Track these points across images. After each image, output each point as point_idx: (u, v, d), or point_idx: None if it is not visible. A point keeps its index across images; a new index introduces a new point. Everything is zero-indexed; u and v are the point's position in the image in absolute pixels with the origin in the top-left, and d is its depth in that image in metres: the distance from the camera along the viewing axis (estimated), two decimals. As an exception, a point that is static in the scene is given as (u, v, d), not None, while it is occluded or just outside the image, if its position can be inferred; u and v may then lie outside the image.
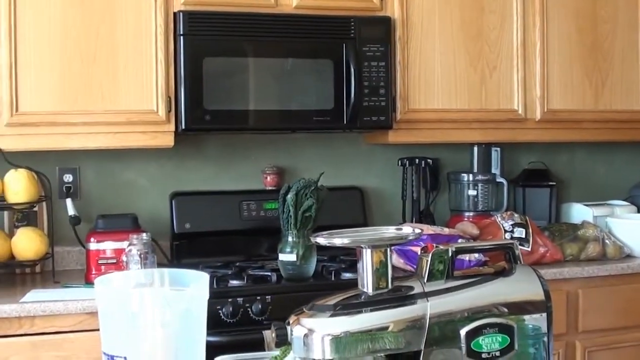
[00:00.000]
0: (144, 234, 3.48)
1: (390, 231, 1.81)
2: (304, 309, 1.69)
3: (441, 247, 1.76)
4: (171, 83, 3.75)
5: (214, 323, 3.14)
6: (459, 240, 3.74)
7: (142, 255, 3.41)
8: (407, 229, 1.79)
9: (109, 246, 3.68)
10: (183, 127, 3.72)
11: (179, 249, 4.09)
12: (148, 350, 1.59)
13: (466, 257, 3.45)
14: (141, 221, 3.88)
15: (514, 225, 4.07)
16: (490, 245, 2.13)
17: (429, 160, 4.50)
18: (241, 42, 3.80)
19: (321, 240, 1.70)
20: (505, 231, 4.04)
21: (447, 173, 4.64)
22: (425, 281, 1.73)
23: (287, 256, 3.58)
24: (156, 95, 3.73)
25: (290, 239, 3.59)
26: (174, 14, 3.75)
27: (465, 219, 4.39)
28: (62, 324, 3.28)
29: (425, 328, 1.66)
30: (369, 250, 1.69)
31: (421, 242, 3.37)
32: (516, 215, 4.17)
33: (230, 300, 3.41)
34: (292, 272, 3.59)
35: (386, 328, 1.64)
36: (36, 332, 3.26)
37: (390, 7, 4.06)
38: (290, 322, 1.67)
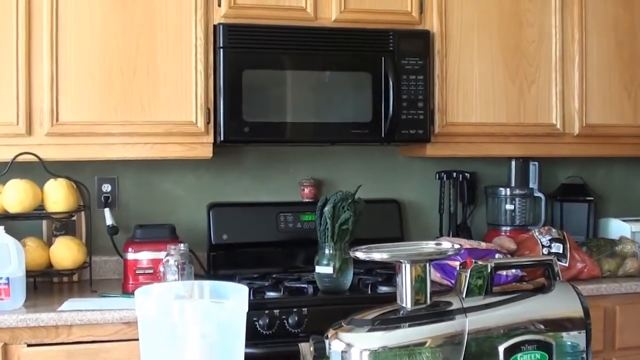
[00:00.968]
0: (182, 245, 3.49)
1: (429, 246, 1.80)
2: (342, 323, 1.69)
3: (480, 262, 1.76)
4: (210, 95, 3.77)
5: (251, 335, 3.16)
6: (496, 255, 3.72)
7: (179, 266, 3.42)
8: (447, 244, 1.79)
9: (146, 256, 3.70)
10: (222, 138, 3.73)
11: (215, 260, 4.10)
12: (187, 361, 1.60)
13: (504, 272, 3.43)
14: (179, 232, 3.90)
15: (551, 240, 4.04)
16: (530, 261, 2.12)
17: (466, 174, 4.49)
18: (280, 55, 3.81)
19: (360, 254, 1.70)
20: (543, 246, 4.02)
21: (485, 187, 4.63)
22: (463, 297, 1.72)
23: (323, 268, 3.58)
24: (195, 107, 3.75)
25: (327, 251, 3.59)
26: (214, 26, 3.77)
27: (503, 234, 4.37)
28: (98, 333, 3.30)
29: (464, 344, 1.65)
30: (408, 265, 1.69)
31: (458, 257, 3.36)
32: (554, 230, 4.14)
33: (266, 312, 3.41)
34: (329, 284, 3.59)
35: (424, 343, 1.64)
36: (73, 341, 3.28)
37: (429, 20, 4.06)
38: (329, 336, 1.67)
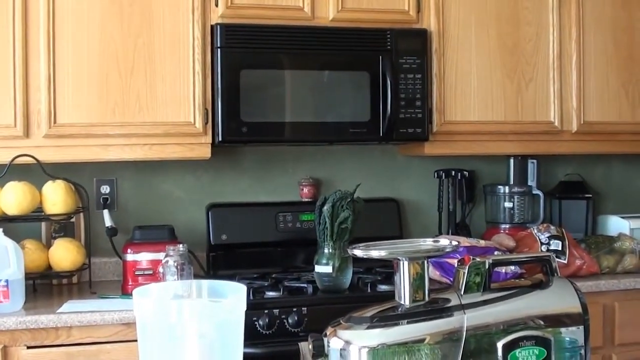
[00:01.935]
0: (181, 245, 3.48)
1: (427, 243, 1.81)
2: (341, 321, 1.69)
3: (478, 259, 1.76)
4: (208, 95, 3.77)
5: (250, 334, 3.16)
6: (495, 253, 3.72)
7: (178, 267, 3.41)
8: (444, 241, 1.79)
9: (145, 257, 3.70)
10: (220, 139, 3.73)
11: (215, 260, 4.10)
12: (185, 361, 1.60)
13: (502, 269, 3.44)
14: (178, 232, 3.90)
15: (550, 238, 4.04)
16: (527, 257, 2.11)
17: (465, 172, 4.49)
18: (278, 55, 3.81)
19: (358, 252, 1.70)
20: (542, 243, 4.02)
21: (483, 185, 4.63)
22: (462, 293, 1.72)
23: (323, 268, 3.58)
24: (193, 108, 3.75)
25: (326, 250, 3.59)
26: (212, 26, 3.77)
27: (501, 231, 4.38)
28: (98, 334, 3.30)
29: (462, 340, 1.66)
30: (406, 263, 1.69)
31: (457, 254, 3.36)
32: (552, 227, 4.15)
33: (266, 311, 3.41)
34: (328, 283, 3.59)
35: (423, 340, 1.64)
36: (72, 343, 3.28)
37: (426, 19, 4.06)
38: (327, 333, 1.67)
